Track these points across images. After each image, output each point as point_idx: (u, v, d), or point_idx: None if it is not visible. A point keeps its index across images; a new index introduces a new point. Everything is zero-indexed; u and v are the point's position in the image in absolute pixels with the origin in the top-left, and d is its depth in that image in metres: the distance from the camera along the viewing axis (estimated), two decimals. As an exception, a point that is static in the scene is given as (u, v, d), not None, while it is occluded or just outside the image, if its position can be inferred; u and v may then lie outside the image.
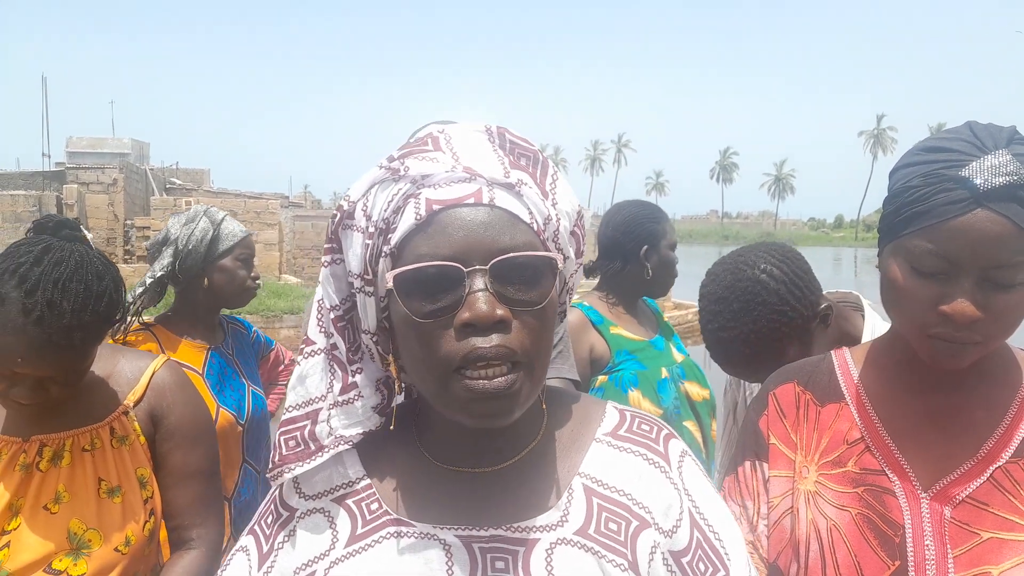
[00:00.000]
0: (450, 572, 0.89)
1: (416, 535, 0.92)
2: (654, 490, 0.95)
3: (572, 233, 0.97)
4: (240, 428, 2.50)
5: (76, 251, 1.44)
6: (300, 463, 0.98)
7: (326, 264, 0.97)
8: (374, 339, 0.96)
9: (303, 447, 0.98)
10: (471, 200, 0.87)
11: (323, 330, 0.99)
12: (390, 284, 0.87)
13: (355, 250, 0.92)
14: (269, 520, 1.02)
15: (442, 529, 0.92)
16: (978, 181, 0.99)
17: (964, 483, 1.11)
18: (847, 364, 1.28)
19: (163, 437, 1.64)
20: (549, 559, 0.89)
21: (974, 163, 1.01)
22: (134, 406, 1.62)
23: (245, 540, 1.03)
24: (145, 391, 1.64)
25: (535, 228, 0.90)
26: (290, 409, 1.00)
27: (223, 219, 2.64)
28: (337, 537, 0.95)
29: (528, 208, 0.90)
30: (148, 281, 2.54)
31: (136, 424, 1.61)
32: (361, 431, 0.99)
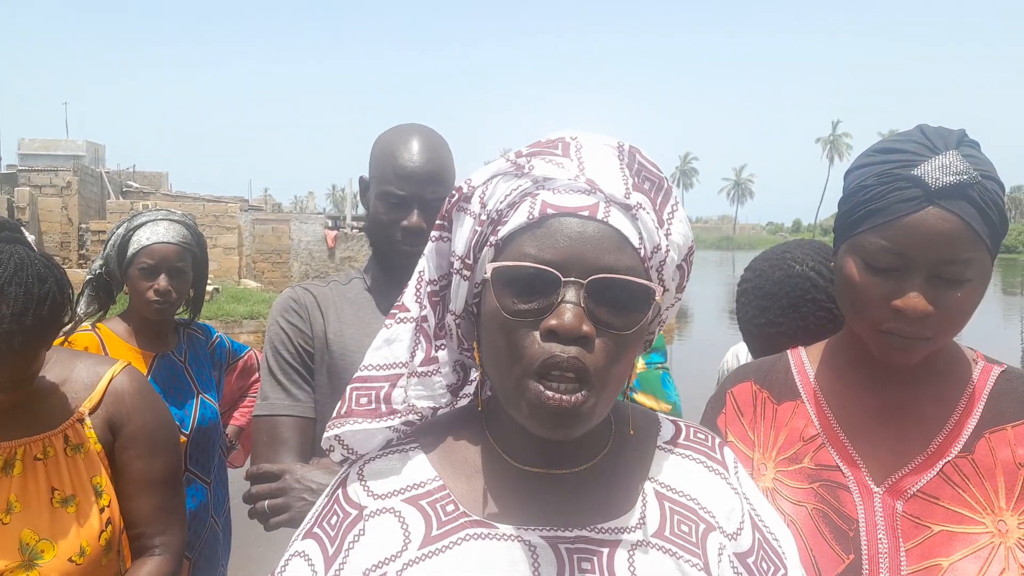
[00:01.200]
0: (537, 573, 0.89)
1: (499, 536, 0.91)
2: (717, 495, 0.99)
3: (679, 267, 0.98)
4: (184, 438, 2.43)
5: (16, 253, 1.39)
6: (368, 420, 0.98)
7: (434, 239, 1.00)
8: (457, 321, 0.98)
9: (375, 406, 0.99)
10: (586, 212, 0.87)
11: (418, 300, 1.01)
12: (488, 275, 0.89)
13: (463, 233, 0.95)
14: (333, 520, 0.97)
15: (527, 530, 0.92)
16: (929, 180, 1.04)
17: (915, 477, 1.14)
18: (803, 362, 1.31)
19: (123, 445, 1.60)
20: (631, 560, 0.91)
21: (925, 163, 1.06)
22: (90, 413, 1.58)
23: (303, 545, 0.98)
24: (102, 398, 1.60)
25: (642, 254, 0.89)
26: (368, 368, 1.01)
27: (142, 224, 2.48)
28: (409, 538, 0.92)
29: (640, 232, 0.89)
30: (85, 284, 2.52)
31: (92, 432, 1.57)
32: (432, 406, 1.00)
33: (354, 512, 0.96)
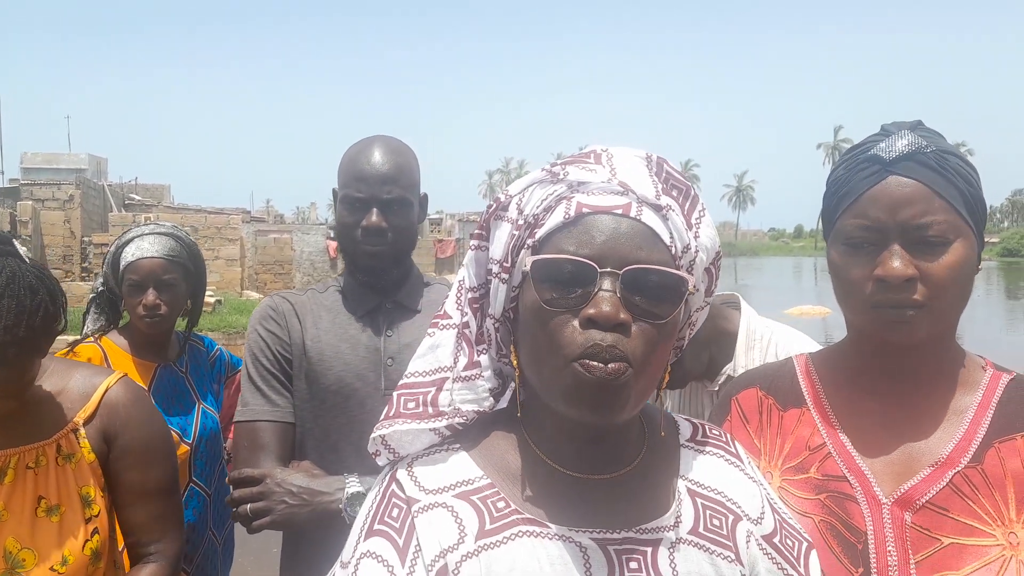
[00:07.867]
0: (588, 573, 0.92)
1: (552, 536, 0.94)
2: (739, 486, 1.06)
3: (707, 270, 1.04)
4: (186, 447, 2.45)
5: (7, 266, 1.41)
6: (416, 421, 1.02)
7: (473, 248, 1.06)
8: (496, 325, 1.03)
9: (422, 409, 1.03)
10: (619, 211, 0.93)
11: (459, 308, 1.06)
12: (527, 268, 0.93)
13: (501, 238, 1.00)
14: (395, 513, 0.98)
15: (578, 532, 0.95)
16: (884, 154, 1.13)
17: (924, 488, 1.12)
18: (808, 369, 1.29)
19: (117, 456, 1.61)
20: (672, 558, 0.96)
21: (882, 142, 1.15)
22: (84, 424, 1.59)
23: (370, 544, 0.97)
24: (96, 408, 1.60)
25: (673, 251, 0.95)
26: (414, 375, 1.06)
27: (129, 241, 2.50)
28: (465, 531, 0.94)
29: (670, 231, 0.96)
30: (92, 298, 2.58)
31: (86, 442, 1.58)
32: (476, 409, 1.04)
33: (415, 505, 0.98)
